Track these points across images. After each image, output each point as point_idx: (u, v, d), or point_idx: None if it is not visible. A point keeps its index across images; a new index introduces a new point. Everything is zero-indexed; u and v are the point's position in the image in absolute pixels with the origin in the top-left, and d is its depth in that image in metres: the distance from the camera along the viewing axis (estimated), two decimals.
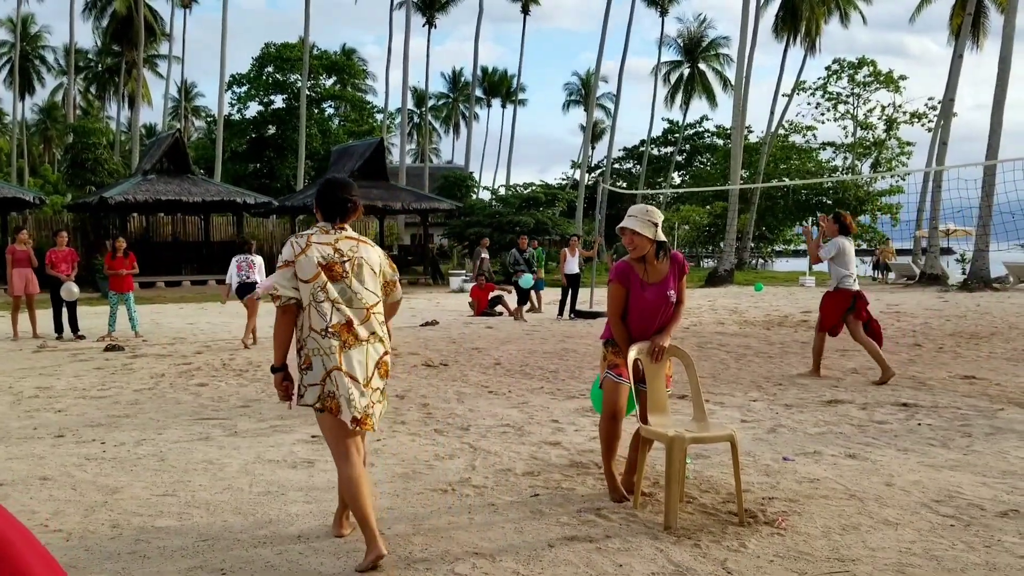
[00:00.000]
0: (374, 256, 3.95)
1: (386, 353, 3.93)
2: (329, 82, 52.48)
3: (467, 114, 60.41)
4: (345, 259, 3.82)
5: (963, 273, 29.45)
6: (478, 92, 64.29)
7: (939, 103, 38.27)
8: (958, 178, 23.37)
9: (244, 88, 50.01)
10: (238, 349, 11.76)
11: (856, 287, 9.23)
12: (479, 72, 58.41)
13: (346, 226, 3.96)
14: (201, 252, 30.17)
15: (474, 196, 47.23)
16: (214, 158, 42.13)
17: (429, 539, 4.12)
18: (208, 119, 63.09)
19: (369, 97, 56.90)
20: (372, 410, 3.84)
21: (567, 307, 16.96)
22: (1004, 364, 10.02)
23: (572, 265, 17.02)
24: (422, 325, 14.75)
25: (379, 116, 53.37)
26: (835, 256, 9.21)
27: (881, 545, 4.02)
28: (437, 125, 74.40)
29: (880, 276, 33.88)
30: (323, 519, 4.40)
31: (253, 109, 50.17)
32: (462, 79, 71.23)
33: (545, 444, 6.02)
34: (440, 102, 72.63)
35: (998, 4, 34.49)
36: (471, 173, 51.48)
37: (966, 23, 32.30)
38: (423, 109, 59.49)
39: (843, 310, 9.19)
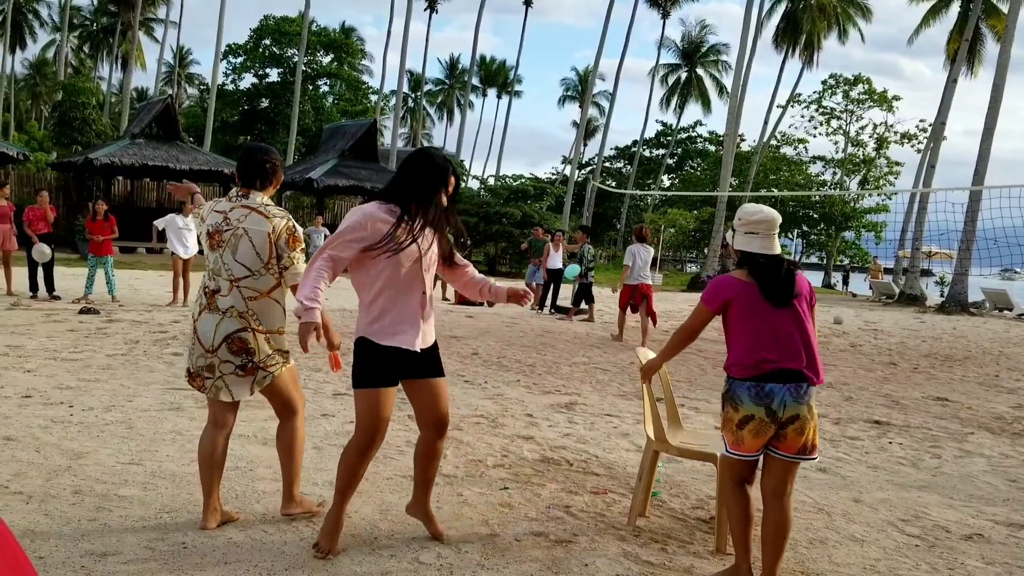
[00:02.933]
0: (263, 229, 3.77)
1: (243, 330, 3.76)
2: (326, 60, 52.17)
3: (462, 102, 60.11)
4: (228, 229, 3.79)
5: (941, 295, 29.71)
6: (475, 81, 64.07)
7: (930, 126, 38.51)
8: (944, 201, 23.63)
9: (240, 59, 49.64)
10: None
11: (643, 282, 12.60)
12: (477, 61, 58.21)
13: (254, 193, 3.88)
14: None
15: (463, 185, 47.14)
16: (204, 127, 41.75)
17: (396, 525, 4.09)
18: (201, 87, 62.51)
19: (365, 78, 56.64)
20: (214, 377, 3.82)
21: (547, 302, 16.95)
22: (976, 388, 10.10)
23: (556, 260, 16.99)
24: None
25: (374, 97, 53.13)
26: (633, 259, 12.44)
27: (846, 561, 4.03)
28: (431, 111, 74.12)
29: (845, 291, 34.29)
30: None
31: (247, 81, 49.86)
32: (459, 66, 71.01)
33: (518, 438, 6.00)
34: (436, 88, 72.34)
35: (995, 33, 34.74)
36: (462, 161, 51.38)
37: (962, 49, 32.50)
38: (418, 94, 59.30)
39: (629, 295, 12.62)
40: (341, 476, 3.69)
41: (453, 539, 3.94)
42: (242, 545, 3.72)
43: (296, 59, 43.47)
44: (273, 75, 48.86)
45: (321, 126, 41.60)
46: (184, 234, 13.33)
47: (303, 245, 3.90)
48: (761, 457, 3.60)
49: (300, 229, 3.92)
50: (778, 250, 3.64)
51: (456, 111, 71.25)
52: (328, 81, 52.84)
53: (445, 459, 5.35)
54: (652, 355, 4.50)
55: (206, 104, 46.45)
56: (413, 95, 62.04)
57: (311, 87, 49.47)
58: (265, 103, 48.63)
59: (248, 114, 48.22)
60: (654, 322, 12.64)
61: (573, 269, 15.19)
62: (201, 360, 3.82)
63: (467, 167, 55.97)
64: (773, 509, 3.59)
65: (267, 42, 48.58)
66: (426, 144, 68.35)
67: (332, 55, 52.12)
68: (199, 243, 3.98)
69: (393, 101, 50.09)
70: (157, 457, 4.96)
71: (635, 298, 12.61)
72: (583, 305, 15.87)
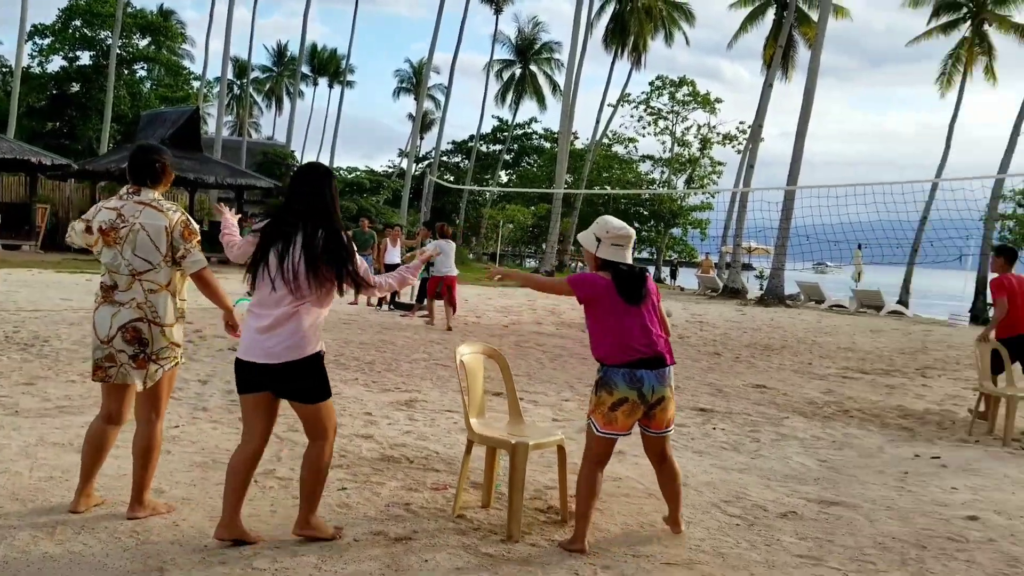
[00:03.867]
0: (158, 223, 3.91)
1: (139, 320, 3.90)
2: (143, 43, 49.29)
3: (292, 90, 58.36)
4: (124, 225, 3.90)
5: (761, 289, 31.67)
6: (305, 69, 62.43)
7: (749, 127, 40.96)
8: (762, 200, 25.11)
9: (47, 40, 46.10)
10: (24, 322, 10.80)
11: (449, 274, 13.88)
12: (307, 49, 56.76)
13: (145, 190, 4.00)
14: None
15: None
16: (8, 112, 38.54)
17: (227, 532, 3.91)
18: (3, 70, 57.68)
19: (186, 63, 53.93)
20: (116, 365, 3.93)
21: (386, 298, 16.78)
22: (792, 375, 10.83)
23: (393, 255, 16.85)
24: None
25: (196, 83, 50.73)
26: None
27: (674, 542, 4.21)
28: (259, 99, 71.60)
29: (673, 285, 36.22)
30: (113, 508, 4.09)
31: (56, 63, 46.35)
32: (288, 54, 68.95)
33: (356, 437, 5.90)
34: (263, 75, 69.94)
35: (807, 40, 37.33)
36: (293, 152, 49.88)
37: (777, 55, 34.72)
38: (244, 80, 56.95)
39: (436, 285, 13.78)
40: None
41: (289, 543, 3.82)
42: (59, 559, 3.46)
43: (110, 42, 40.84)
44: (85, 58, 45.68)
45: (138, 113, 39.31)
46: None
47: (199, 237, 4.02)
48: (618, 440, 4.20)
49: (194, 222, 4.05)
50: (631, 259, 4.21)
51: (285, 99, 69.24)
52: (145, 66, 49.92)
53: (279, 461, 5.19)
54: (470, 351, 4.70)
55: (9, 88, 42.87)
56: (239, 82, 59.65)
57: (127, 71, 46.59)
58: (76, 87, 45.39)
59: (57, 99, 44.86)
60: (454, 310, 14.12)
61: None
62: (99, 352, 3.94)
63: (299, 158, 54.47)
64: (664, 470, 4.32)
65: (77, 23, 45.35)
66: (253, 133, 66.04)
67: (149, 38, 49.30)
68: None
69: (217, 88, 48.08)
70: None
71: (441, 289, 13.92)
72: (425, 302, 15.81)
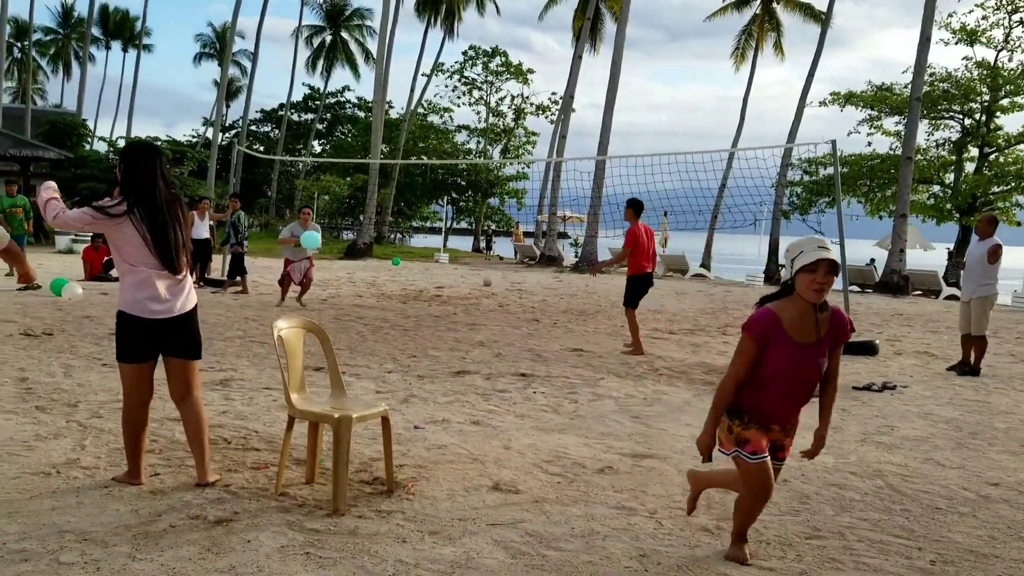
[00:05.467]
0: None
1: None
2: None
3: (81, 55, 54.02)
4: None
5: (576, 256, 32.72)
6: (96, 32, 57.96)
7: (561, 98, 41.99)
8: (575, 170, 25.89)
9: None
10: None
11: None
12: (97, 10, 52.66)
13: None
14: None
15: (88, 147, 42.56)
16: None
17: (28, 527, 3.65)
18: None
19: None
20: None
21: (196, 275, 16.01)
22: (606, 339, 11.30)
23: (201, 229, 16.05)
24: (20, 289, 12.99)
25: None
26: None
27: (497, 503, 4.32)
28: (44, 63, 65.84)
29: (488, 255, 36.92)
30: None
31: None
32: (76, 15, 63.73)
33: (168, 420, 5.62)
34: (47, 38, 64.31)
35: (613, 13, 38.61)
36: (84, 120, 46.26)
37: (585, 27, 35.76)
38: (25, 43, 52.15)
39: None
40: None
41: (98, 534, 3.61)
42: None
43: None
44: None
45: None
46: None
47: None
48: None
49: None
50: None
51: (74, 64, 64.07)
52: None
53: (84, 450, 4.88)
54: (288, 325, 4.58)
55: None
56: (19, 44, 54.54)
57: None
58: None
59: None
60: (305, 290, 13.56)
61: (311, 238, 12.86)
62: None
63: (92, 127, 50.65)
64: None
65: None
66: (38, 100, 60.70)
67: None
68: None
69: None
70: None
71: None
72: (236, 277, 15.23)
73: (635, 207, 10.33)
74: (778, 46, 41.05)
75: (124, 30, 63.94)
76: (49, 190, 4.31)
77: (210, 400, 6.34)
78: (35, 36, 54.88)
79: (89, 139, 44.91)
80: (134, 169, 4.20)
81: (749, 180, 15.80)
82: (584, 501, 4.44)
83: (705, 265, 33.88)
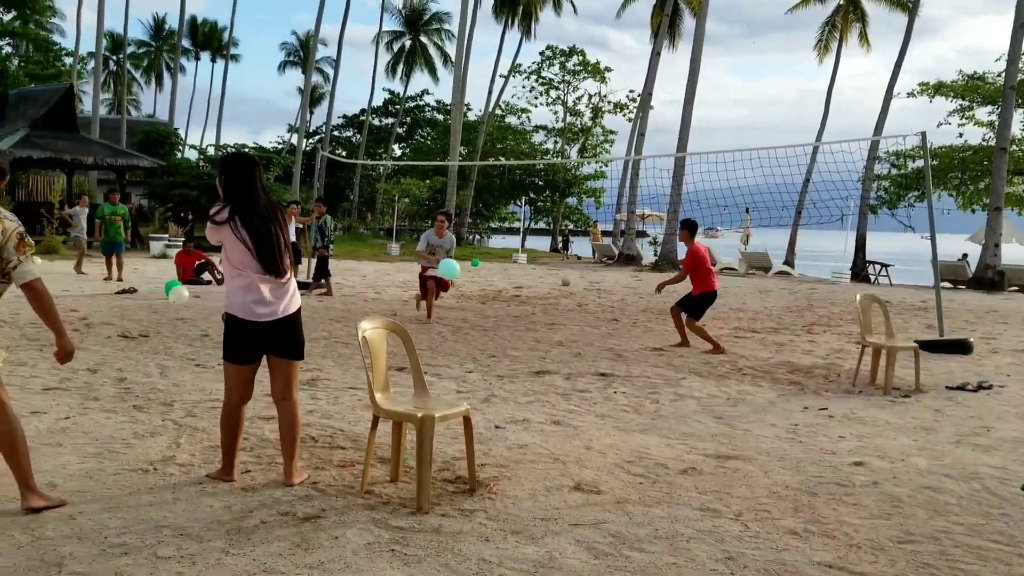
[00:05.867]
0: None
1: None
2: (7, 17, 46.37)
3: (172, 66, 56.02)
4: None
5: (655, 255, 32.40)
6: (186, 43, 59.99)
7: (639, 96, 41.63)
8: (653, 167, 25.63)
9: None
10: None
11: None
12: (187, 22, 54.52)
13: None
14: None
15: (179, 155, 44.09)
16: None
17: (128, 522, 3.81)
18: None
19: (56, 38, 51.00)
20: None
21: None
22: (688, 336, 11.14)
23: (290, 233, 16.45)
24: (118, 293, 13.56)
25: (68, 60, 48.13)
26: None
27: (580, 503, 4.31)
28: (138, 75, 68.48)
29: (566, 255, 36.84)
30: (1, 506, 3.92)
31: None
32: (167, 27, 66.09)
33: (258, 419, 5.78)
34: (140, 51, 66.85)
35: (691, 8, 38.08)
36: (176, 130, 47.94)
37: (664, 23, 35.38)
38: (120, 56, 54.33)
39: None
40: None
41: (194, 529, 3.74)
42: None
43: None
44: None
45: (5, 92, 37.01)
46: None
47: (32, 249, 3.84)
48: None
49: (27, 235, 3.85)
50: None
51: (166, 75, 66.45)
52: (11, 42, 47.02)
53: (179, 447, 5.07)
54: (372, 326, 4.67)
55: None
56: (115, 58, 56.84)
57: None
58: None
59: None
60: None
61: (449, 268, 12.01)
62: None
63: (183, 136, 52.44)
64: None
65: None
66: (133, 111, 63.20)
67: (14, 12, 46.39)
68: None
69: (91, 64, 45.73)
70: None
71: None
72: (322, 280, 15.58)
73: (690, 227, 10.43)
74: (863, 36, 39.83)
75: (213, 41, 66.05)
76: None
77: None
78: (129, 49, 57.14)
79: (180, 147, 46.52)
80: (232, 179, 4.36)
81: (835, 174, 15.41)
82: (667, 502, 4.39)
83: (789, 262, 33.10)
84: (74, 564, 3.34)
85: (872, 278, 29.32)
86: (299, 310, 4.50)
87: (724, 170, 14.82)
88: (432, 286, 12.15)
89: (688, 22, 39.93)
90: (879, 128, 33.01)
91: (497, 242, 52.60)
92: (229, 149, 47.52)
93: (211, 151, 46.76)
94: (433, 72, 56.94)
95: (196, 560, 3.43)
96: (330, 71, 58.33)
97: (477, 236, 52.32)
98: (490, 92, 47.55)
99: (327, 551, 3.57)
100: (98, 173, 34.70)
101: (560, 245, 45.58)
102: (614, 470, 4.94)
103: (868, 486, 4.77)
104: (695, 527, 4.04)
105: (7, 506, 3.93)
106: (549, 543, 3.76)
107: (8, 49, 46.85)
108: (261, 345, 4.37)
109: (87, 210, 19.58)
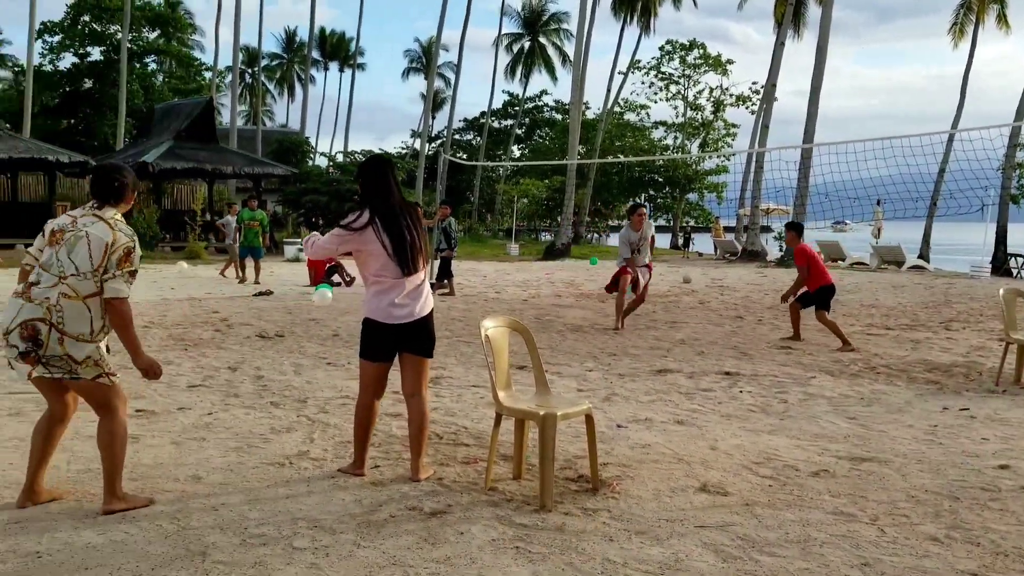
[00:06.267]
0: (103, 237, 3.85)
1: (40, 320, 3.77)
2: (152, 35, 49.35)
3: (303, 76, 58.31)
4: (72, 230, 3.88)
5: (780, 250, 31.47)
6: (315, 54, 62.28)
7: (762, 88, 40.50)
8: (779, 160, 24.83)
9: (57, 38, 46.24)
10: None
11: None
12: (316, 33, 56.62)
13: (107, 208, 3.98)
14: (8, 213, 27.79)
15: (310, 162, 45.87)
16: (22, 112, 38.77)
17: (266, 514, 3.99)
18: (15, 69, 57.90)
19: (197, 54, 53.93)
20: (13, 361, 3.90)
21: None
22: (816, 335, 10.78)
23: None
24: (255, 295, 14.24)
25: (208, 74, 50.75)
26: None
27: (706, 505, 4.24)
28: (271, 87, 71.58)
29: (686, 252, 36.18)
30: (150, 496, 4.17)
31: (67, 61, 46.54)
32: (297, 40, 68.78)
33: (386, 415, 5.94)
34: (274, 63, 69.85)
35: None
36: (307, 138, 49.94)
37: (788, 12, 34.27)
38: (255, 69, 56.95)
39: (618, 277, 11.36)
40: None
41: (328, 522, 3.89)
42: (102, 548, 3.54)
43: (120, 36, 40.88)
44: (96, 54, 45.80)
45: (152, 106, 39.40)
46: None
47: (133, 268, 3.92)
48: None
49: (138, 252, 3.97)
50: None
51: (297, 86, 69.17)
52: (156, 58, 50.04)
53: (313, 442, 5.27)
54: (494, 325, 4.71)
55: (22, 87, 43.10)
56: (250, 71, 59.63)
57: (138, 65, 46.69)
58: (89, 84, 45.56)
59: (71, 96, 45.07)
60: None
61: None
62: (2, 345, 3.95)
63: (313, 144, 54.50)
64: None
65: (86, 18, 45.42)
66: (267, 121, 66.09)
67: (159, 30, 49.33)
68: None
69: (229, 78, 48.07)
70: None
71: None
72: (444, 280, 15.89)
73: (797, 229, 11.05)
74: (1002, 18, 37.41)
75: (340, 51, 68.34)
76: (312, 236, 4.80)
77: None
78: (263, 62, 59.82)
79: (311, 155, 48.41)
80: (371, 181, 4.49)
81: (973, 163, 14.58)
82: (798, 505, 4.26)
83: (923, 256, 31.52)
84: (217, 553, 3.52)
85: (1015, 272, 27.55)
86: (432, 311, 4.60)
87: (854, 160, 14.28)
88: (628, 289, 11.13)
89: (813, 10, 38.50)
90: (1020, 114, 30.97)
91: (616, 240, 52.23)
92: (356, 155, 49.07)
93: (339, 158, 48.39)
94: (552, 72, 57.18)
95: (329, 552, 3.56)
96: (451, 76, 59.37)
97: (596, 234, 52.12)
98: (608, 90, 47.30)
99: (453, 546, 3.64)
100: (236, 181, 36.44)
101: (680, 242, 44.88)
102: (741, 471, 4.83)
103: (1015, 491, 4.49)
104: (828, 531, 3.90)
105: (154, 497, 4.18)
106: (675, 545, 3.71)
107: (154, 66, 49.90)
108: (396, 344, 4.50)
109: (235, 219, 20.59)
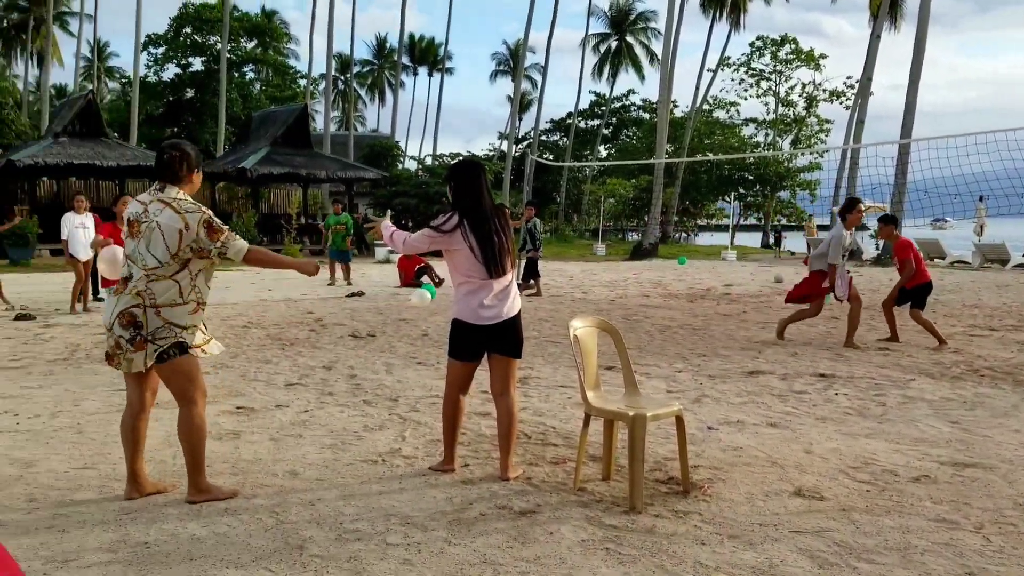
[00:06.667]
0: (174, 225, 3.96)
1: (135, 306, 3.96)
2: (250, 45, 51.07)
3: (393, 82, 59.44)
4: (145, 220, 4.01)
5: (877, 248, 30.47)
6: (404, 60, 63.38)
7: (857, 82, 39.31)
8: (875, 155, 24.18)
9: (161, 49, 48.35)
10: None
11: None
12: (405, 39, 57.56)
13: (169, 187, 4.09)
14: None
15: (400, 166, 46.70)
16: (129, 121, 40.62)
17: (360, 510, 4.09)
18: (122, 80, 60.64)
19: (292, 62, 55.62)
20: (119, 353, 4.05)
21: None
22: (916, 336, 10.42)
23: None
24: (348, 296, 14.57)
25: (302, 82, 52.22)
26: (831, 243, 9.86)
27: (801, 510, 4.15)
28: (362, 92, 73.12)
29: (777, 251, 35.36)
30: (250, 490, 4.33)
31: (170, 71, 48.60)
32: (387, 46, 70.08)
33: (475, 415, 6.02)
34: (365, 69, 71.34)
35: None
36: (397, 142, 50.81)
37: (884, 4, 33.18)
38: (347, 76, 58.31)
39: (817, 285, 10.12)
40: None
41: (419, 519, 3.96)
42: (206, 540, 3.69)
43: (219, 46, 42.43)
44: (196, 64, 47.70)
45: (250, 114, 40.75)
46: (80, 233, 12.37)
47: (223, 228, 4.06)
48: None
49: (215, 218, 4.08)
50: None
51: (387, 91, 70.45)
52: (254, 67, 51.78)
53: (404, 440, 5.37)
54: (583, 325, 4.74)
55: (129, 98, 45.20)
56: (343, 77, 61.11)
57: (237, 74, 48.40)
58: (190, 93, 47.48)
59: (173, 105, 47.06)
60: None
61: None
62: (108, 340, 4.10)
63: (403, 147, 55.43)
64: None
65: (188, 30, 47.36)
66: (359, 127, 67.48)
67: (256, 40, 51.03)
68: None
69: (322, 85, 49.32)
70: (111, 460, 4.87)
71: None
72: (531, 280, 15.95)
73: (892, 221, 10.67)
74: None
75: (429, 56, 69.36)
76: (389, 228, 4.84)
77: None
78: (355, 69, 61.15)
79: (401, 159, 49.26)
80: (463, 184, 4.57)
81: None
82: (898, 512, 4.13)
83: None
84: (313, 547, 3.63)
85: None
86: (520, 312, 4.64)
87: (955, 155, 13.76)
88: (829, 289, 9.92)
89: (911, 1, 37.25)
90: None
91: (704, 239, 51.43)
92: (445, 158, 49.70)
93: (428, 161, 49.06)
94: (639, 71, 56.78)
95: (421, 548, 3.63)
96: (538, 77, 59.54)
97: (684, 234, 51.47)
98: (697, 88, 46.74)
99: (543, 546, 3.67)
100: (330, 185, 37.38)
101: (772, 241, 43.89)
102: (837, 476, 4.71)
103: None
104: (930, 539, 3.77)
105: (254, 491, 4.33)
106: (769, 550, 3.65)
107: (251, 74, 51.61)
108: (484, 345, 4.56)
109: None
